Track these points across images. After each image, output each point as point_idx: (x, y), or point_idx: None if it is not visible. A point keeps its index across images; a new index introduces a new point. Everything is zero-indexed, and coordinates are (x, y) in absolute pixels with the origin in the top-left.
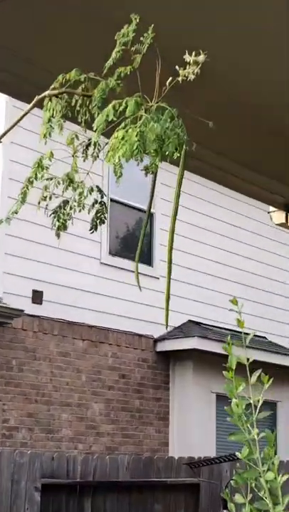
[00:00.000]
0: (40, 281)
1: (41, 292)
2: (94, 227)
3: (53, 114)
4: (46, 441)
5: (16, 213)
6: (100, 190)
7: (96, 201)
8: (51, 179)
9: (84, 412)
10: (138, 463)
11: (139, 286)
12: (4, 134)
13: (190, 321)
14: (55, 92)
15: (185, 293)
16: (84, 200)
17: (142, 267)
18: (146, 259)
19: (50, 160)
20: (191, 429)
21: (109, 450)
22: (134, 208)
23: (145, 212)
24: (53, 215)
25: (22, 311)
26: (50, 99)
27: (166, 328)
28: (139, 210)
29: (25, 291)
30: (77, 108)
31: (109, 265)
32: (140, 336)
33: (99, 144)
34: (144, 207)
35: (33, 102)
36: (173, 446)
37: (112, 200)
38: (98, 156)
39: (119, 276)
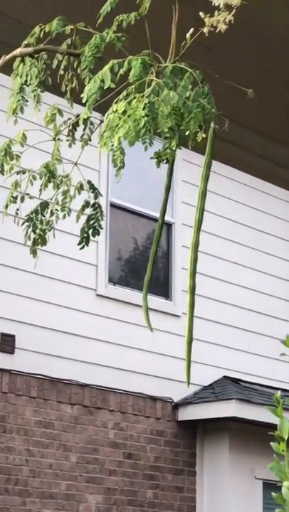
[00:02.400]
0: (11, 321)
1: (13, 336)
2: (85, 241)
3: (26, 80)
4: None
5: None
6: (92, 188)
7: (88, 204)
8: (24, 172)
9: (75, 507)
10: None
11: (150, 325)
12: None
13: (226, 377)
14: (30, 49)
15: (219, 338)
16: (70, 202)
17: (157, 301)
18: (163, 289)
19: (22, 145)
20: None
21: None
22: (145, 216)
23: (166, 223)
24: (26, 224)
25: None
26: (23, 60)
27: (188, 385)
28: (154, 219)
29: None
30: (61, 72)
31: (109, 298)
32: (154, 398)
33: (91, 123)
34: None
35: None
36: None
37: (113, 205)
38: (90, 140)
39: (124, 313)
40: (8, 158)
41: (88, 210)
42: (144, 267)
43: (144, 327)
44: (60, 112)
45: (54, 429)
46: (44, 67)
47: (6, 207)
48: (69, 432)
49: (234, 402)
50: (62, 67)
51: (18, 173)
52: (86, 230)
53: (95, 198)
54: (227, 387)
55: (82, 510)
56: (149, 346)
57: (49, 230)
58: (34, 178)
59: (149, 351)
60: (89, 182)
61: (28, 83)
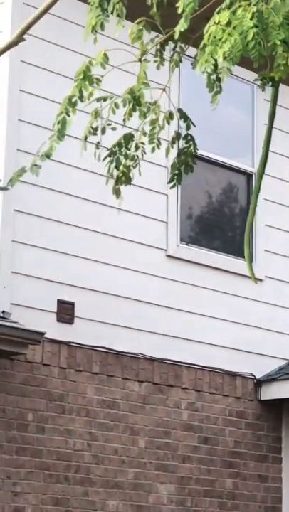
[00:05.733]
0: (69, 286)
1: (71, 304)
2: (176, 179)
3: None
4: None
5: (48, 157)
6: (184, 117)
7: (178, 135)
8: (105, 99)
9: (144, 498)
10: None
11: (253, 275)
12: (20, 34)
13: None
14: None
15: None
16: (159, 132)
17: (236, 263)
18: (240, 249)
19: (103, 67)
20: None
21: None
22: (221, 165)
23: (246, 173)
24: (108, 159)
25: (42, 334)
26: None
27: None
28: (230, 169)
29: (46, 303)
30: None
31: (180, 259)
32: (234, 375)
33: (184, 40)
34: (243, 165)
35: None
36: None
37: None
38: (181, 61)
39: (197, 276)
40: (87, 82)
41: (179, 143)
42: (220, 223)
43: (221, 292)
44: (147, 27)
45: (119, 410)
46: None
47: (85, 139)
48: (136, 413)
49: None
50: None
51: (98, 100)
52: (177, 166)
53: (187, 128)
54: None
55: (153, 501)
56: (228, 315)
57: (134, 167)
58: (117, 105)
59: (228, 320)
60: (180, 110)
61: None
